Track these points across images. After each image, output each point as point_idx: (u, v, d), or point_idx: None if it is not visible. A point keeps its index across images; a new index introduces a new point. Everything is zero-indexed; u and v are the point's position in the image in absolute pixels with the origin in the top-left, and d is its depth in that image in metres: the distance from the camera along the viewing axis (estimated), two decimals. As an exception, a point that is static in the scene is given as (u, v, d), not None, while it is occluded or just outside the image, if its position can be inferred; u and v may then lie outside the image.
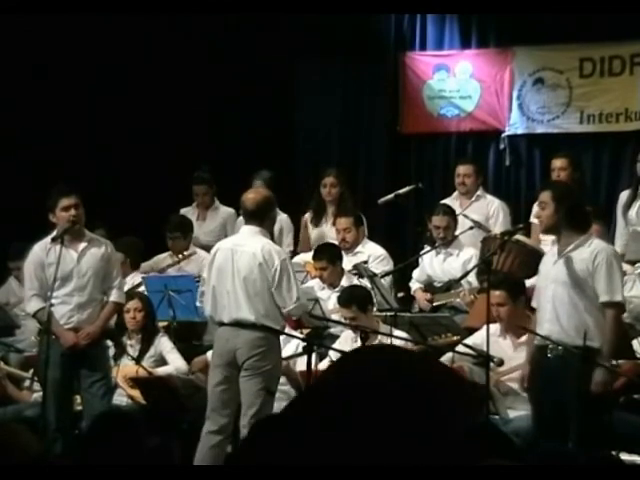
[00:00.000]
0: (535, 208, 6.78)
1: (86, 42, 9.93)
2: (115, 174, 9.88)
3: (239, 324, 6.63)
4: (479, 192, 8.96)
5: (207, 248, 8.05)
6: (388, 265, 8.40)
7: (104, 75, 10.04)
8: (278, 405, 6.72)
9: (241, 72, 10.06)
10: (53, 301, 6.95)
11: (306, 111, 10.54)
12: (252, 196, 6.91)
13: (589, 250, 6.17)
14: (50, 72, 9.94)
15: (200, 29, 10.12)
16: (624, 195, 8.24)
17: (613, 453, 5.51)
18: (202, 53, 10.23)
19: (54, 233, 7.04)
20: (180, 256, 8.79)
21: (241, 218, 7.60)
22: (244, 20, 10.02)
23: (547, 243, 6.87)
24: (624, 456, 6.08)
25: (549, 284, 6.22)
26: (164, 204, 9.25)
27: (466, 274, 8.03)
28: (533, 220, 7.55)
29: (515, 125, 10.01)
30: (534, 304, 6.50)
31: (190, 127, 10.06)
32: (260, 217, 6.81)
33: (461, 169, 8.99)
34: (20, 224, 8.58)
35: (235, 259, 6.71)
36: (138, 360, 7.64)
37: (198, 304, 6.99)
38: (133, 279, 8.51)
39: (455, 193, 8.93)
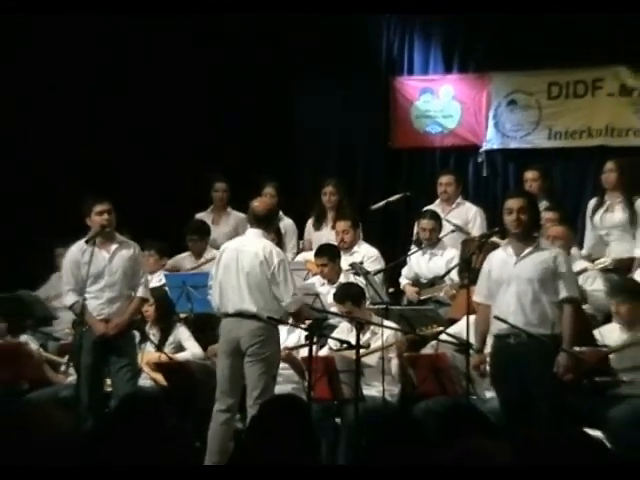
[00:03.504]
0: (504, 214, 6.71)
1: (103, 54, 9.54)
2: (132, 182, 9.42)
3: (242, 315, 6.62)
4: (459, 199, 8.94)
5: (222, 249, 8.04)
6: (380, 264, 8.38)
7: (123, 92, 9.64)
8: (279, 388, 6.72)
9: (244, 93, 9.96)
10: (87, 296, 6.96)
11: (308, 130, 10.52)
12: (257, 204, 6.94)
13: (548, 252, 6.20)
14: (78, 84, 9.48)
15: (204, 54, 9.87)
16: (591, 203, 8.22)
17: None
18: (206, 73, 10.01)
19: (88, 235, 7.05)
20: (202, 260, 8.77)
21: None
22: (246, 40, 9.87)
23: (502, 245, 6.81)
24: (588, 431, 6.06)
25: (512, 281, 6.18)
26: (178, 209, 9.18)
27: (449, 272, 8.04)
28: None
29: (491, 141, 10.02)
30: (478, 299, 6.43)
31: (200, 143, 9.88)
32: (263, 222, 6.83)
33: (443, 179, 8.97)
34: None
35: (240, 258, 6.71)
36: (159, 347, 7.64)
37: (208, 297, 6.98)
38: (160, 277, 8.49)
39: (438, 200, 8.90)
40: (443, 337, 6.97)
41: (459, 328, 6.80)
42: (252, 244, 6.74)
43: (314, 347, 6.69)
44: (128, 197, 7.56)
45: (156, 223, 8.83)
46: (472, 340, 6.42)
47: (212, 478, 3.39)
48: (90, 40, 9.44)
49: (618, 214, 8.01)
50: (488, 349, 6.48)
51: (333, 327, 7.47)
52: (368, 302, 7.44)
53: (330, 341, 7.15)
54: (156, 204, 9.25)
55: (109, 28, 9.34)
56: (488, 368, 6.56)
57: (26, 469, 2.81)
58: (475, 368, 6.45)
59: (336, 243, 8.40)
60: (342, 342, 6.79)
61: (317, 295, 7.77)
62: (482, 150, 10.02)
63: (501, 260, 6.32)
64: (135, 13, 8.95)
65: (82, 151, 9.50)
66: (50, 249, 8.72)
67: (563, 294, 6.10)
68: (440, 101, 10.24)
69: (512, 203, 6.28)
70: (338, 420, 6.91)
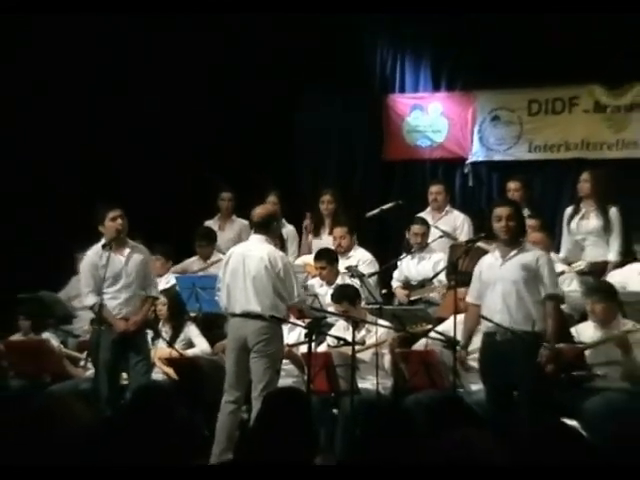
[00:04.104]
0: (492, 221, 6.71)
1: (103, 54, 9.15)
2: (137, 188, 9.03)
3: (248, 315, 6.61)
4: (448, 208, 8.94)
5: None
6: (374, 267, 8.37)
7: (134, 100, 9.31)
8: (281, 381, 6.72)
9: (247, 103, 9.83)
10: (105, 296, 6.97)
11: (308, 144, 10.51)
12: (259, 211, 6.90)
13: (531, 254, 6.21)
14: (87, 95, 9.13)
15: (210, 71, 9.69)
16: (568, 211, 8.23)
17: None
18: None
19: (103, 241, 7.05)
20: (208, 262, 8.77)
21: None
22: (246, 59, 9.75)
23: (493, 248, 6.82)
24: (565, 421, 6.07)
25: (497, 282, 6.20)
26: (187, 217, 9.12)
27: (437, 274, 8.04)
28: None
29: (477, 154, 9.99)
30: (470, 299, 6.45)
31: (210, 154, 9.76)
32: (266, 228, 6.80)
33: (434, 188, 8.97)
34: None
35: (246, 262, 6.69)
36: (171, 344, 7.63)
37: (216, 298, 6.98)
38: (167, 279, 8.49)
39: (428, 208, 8.90)
40: (432, 335, 6.96)
41: (447, 326, 6.79)
42: (257, 249, 6.72)
43: (313, 344, 6.69)
44: (135, 203, 7.43)
45: (162, 229, 8.72)
46: (459, 337, 6.44)
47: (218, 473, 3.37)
48: (90, 40, 9.02)
49: (593, 221, 8.03)
50: (475, 345, 6.51)
51: (331, 325, 7.47)
52: (363, 302, 7.45)
53: (328, 338, 7.17)
54: (160, 209, 9.06)
55: (109, 28, 8.96)
56: (473, 363, 6.59)
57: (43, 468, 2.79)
58: (460, 363, 6.48)
59: (334, 248, 8.40)
60: (339, 339, 6.80)
61: (316, 296, 7.79)
62: (468, 162, 10.00)
63: (489, 263, 6.35)
64: (135, 13, 8.59)
65: (97, 159, 9.22)
66: (69, 253, 8.71)
67: (545, 292, 6.11)
68: (429, 117, 10.23)
69: (501, 211, 6.30)
70: (335, 411, 6.91)
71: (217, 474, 3.04)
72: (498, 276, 6.21)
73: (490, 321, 6.14)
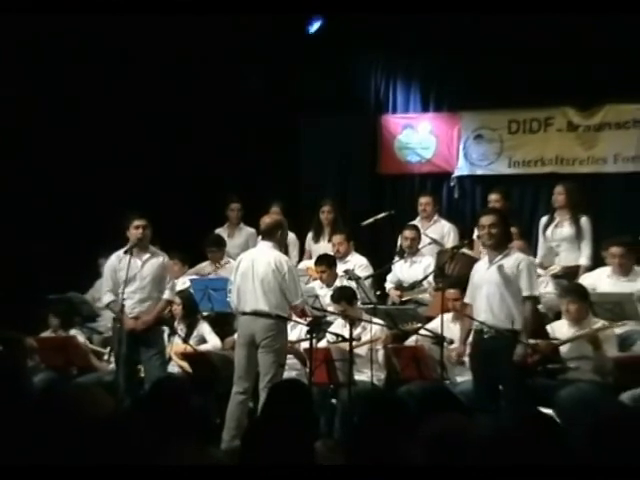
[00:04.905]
0: (477, 229, 6.72)
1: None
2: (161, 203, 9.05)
3: (257, 313, 6.61)
4: (436, 217, 8.93)
5: (235, 258, 8.02)
6: (369, 270, 8.37)
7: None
8: (285, 374, 6.71)
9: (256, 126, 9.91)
10: (122, 297, 6.95)
11: (310, 157, 10.50)
12: (267, 221, 6.91)
13: (513, 259, 6.18)
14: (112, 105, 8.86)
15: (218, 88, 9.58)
16: (544, 220, 8.23)
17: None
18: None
19: (127, 247, 7.07)
20: (218, 265, 8.76)
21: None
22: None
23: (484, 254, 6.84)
24: (542, 409, 6.07)
25: (483, 284, 6.20)
26: (198, 225, 9.13)
27: (426, 277, 8.03)
28: (475, 238, 7.55)
29: (462, 168, 10.00)
30: (467, 300, 6.46)
31: (223, 169, 9.71)
32: (273, 235, 6.80)
33: (423, 199, 8.96)
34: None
35: (255, 266, 6.69)
36: (185, 340, 7.62)
37: (228, 299, 6.97)
38: (184, 281, 8.48)
39: (418, 217, 8.89)
40: (422, 332, 6.96)
41: (435, 324, 6.80)
42: (265, 254, 6.72)
43: (314, 340, 6.70)
44: (156, 215, 7.43)
45: (179, 236, 8.68)
46: (446, 334, 6.45)
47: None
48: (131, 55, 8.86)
49: (566, 229, 8.03)
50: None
51: (330, 323, 7.47)
52: (359, 302, 7.43)
53: (327, 335, 7.16)
54: (177, 220, 8.96)
55: (139, 44, 8.76)
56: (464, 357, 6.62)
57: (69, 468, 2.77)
58: (457, 356, 6.48)
59: (332, 253, 8.40)
60: (337, 336, 6.80)
61: (317, 296, 7.77)
62: (454, 176, 10.00)
63: (479, 267, 6.35)
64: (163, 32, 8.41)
65: (128, 175, 9.07)
66: (94, 260, 8.72)
67: (524, 293, 6.10)
68: (419, 135, 10.24)
69: (484, 220, 6.29)
70: (334, 400, 6.91)
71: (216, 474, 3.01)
72: (485, 279, 6.20)
73: (475, 320, 6.15)
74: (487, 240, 6.22)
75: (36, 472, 2.74)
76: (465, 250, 7.47)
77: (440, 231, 8.77)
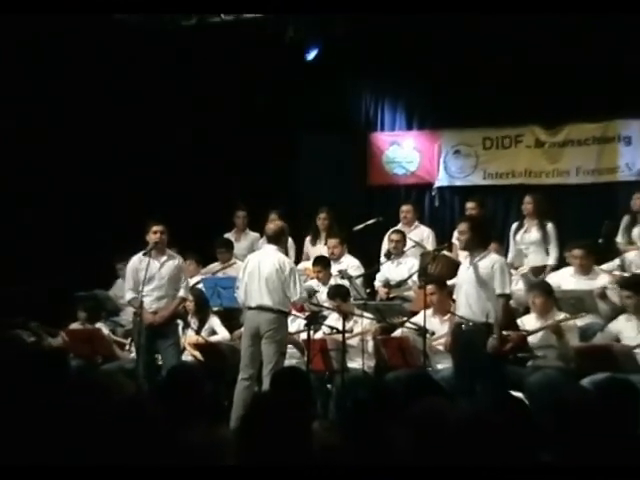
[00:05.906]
0: (456, 233, 6.75)
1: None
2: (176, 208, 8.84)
3: (261, 308, 6.61)
4: (416, 223, 8.92)
5: (241, 259, 8.02)
6: (360, 270, 8.35)
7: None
8: (287, 362, 6.70)
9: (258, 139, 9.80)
10: (142, 294, 6.96)
11: (307, 170, 10.50)
12: (272, 226, 6.95)
13: (489, 259, 6.20)
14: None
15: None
16: (514, 226, 8.26)
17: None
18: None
19: (146, 249, 7.07)
20: (226, 264, 8.76)
21: (263, 239, 7.58)
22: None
23: (462, 256, 6.86)
24: (513, 393, 6.07)
25: (463, 283, 6.23)
26: (211, 231, 9.08)
27: (410, 276, 8.03)
28: (454, 241, 7.57)
29: (442, 180, 10.01)
30: (455, 296, 6.48)
31: (227, 177, 9.69)
32: (277, 240, 6.82)
33: (404, 208, 8.96)
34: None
35: (261, 266, 6.69)
36: (198, 332, 7.61)
37: (235, 295, 6.97)
38: (198, 279, 8.47)
39: (400, 224, 8.89)
40: (407, 325, 6.97)
41: (418, 318, 6.81)
42: (270, 256, 6.71)
43: (311, 332, 6.71)
44: (173, 221, 7.40)
45: (193, 240, 8.66)
46: (428, 327, 6.45)
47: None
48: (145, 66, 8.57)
49: (534, 234, 8.05)
50: (442, 331, 6.51)
51: (325, 317, 7.47)
52: (352, 298, 7.43)
53: (323, 327, 7.16)
54: (192, 225, 8.84)
55: (154, 53, 8.59)
56: (441, 347, 6.61)
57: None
58: (445, 347, 6.51)
59: (328, 255, 8.40)
60: (332, 328, 6.81)
61: (315, 292, 7.76)
62: (435, 187, 10.01)
63: (462, 268, 6.36)
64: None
65: (146, 186, 9.00)
66: (112, 262, 8.75)
67: (497, 291, 6.11)
68: (404, 151, 10.25)
69: (460, 226, 6.35)
70: (329, 386, 6.91)
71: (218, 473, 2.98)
72: (464, 278, 6.22)
73: (454, 314, 6.17)
74: (462, 243, 6.30)
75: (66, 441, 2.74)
76: (445, 252, 7.48)
77: (420, 235, 8.77)
